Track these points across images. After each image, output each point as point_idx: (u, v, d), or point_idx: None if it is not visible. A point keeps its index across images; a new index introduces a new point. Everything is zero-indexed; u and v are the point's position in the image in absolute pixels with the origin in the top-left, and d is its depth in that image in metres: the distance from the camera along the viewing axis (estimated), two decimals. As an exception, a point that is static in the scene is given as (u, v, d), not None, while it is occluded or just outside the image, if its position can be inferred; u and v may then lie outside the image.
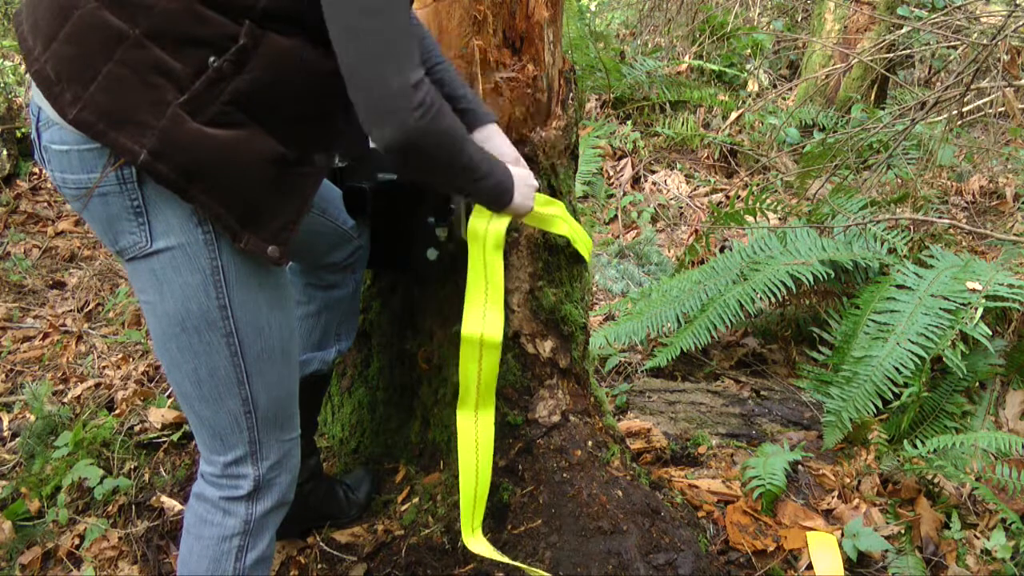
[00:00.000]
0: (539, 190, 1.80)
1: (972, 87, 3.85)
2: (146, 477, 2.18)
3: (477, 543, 1.60)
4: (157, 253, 1.21)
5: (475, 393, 1.56)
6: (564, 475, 1.82)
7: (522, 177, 1.49)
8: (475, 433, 1.57)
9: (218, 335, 1.25)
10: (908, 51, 5.57)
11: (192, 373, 1.28)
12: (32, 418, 2.58)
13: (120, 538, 2.02)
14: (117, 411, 2.57)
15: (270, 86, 1.17)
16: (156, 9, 1.11)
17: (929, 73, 6.06)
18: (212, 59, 1.13)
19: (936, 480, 2.13)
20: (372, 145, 1.64)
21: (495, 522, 1.80)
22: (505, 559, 1.62)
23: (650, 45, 6.42)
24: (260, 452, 1.35)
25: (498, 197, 1.42)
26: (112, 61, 1.12)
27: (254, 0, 1.13)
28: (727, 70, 5.82)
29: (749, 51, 6.17)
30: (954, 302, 2.44)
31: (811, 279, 2.71)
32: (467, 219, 1.59)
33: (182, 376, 1.29)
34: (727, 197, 4.55)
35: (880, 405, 2.32)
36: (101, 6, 1.12)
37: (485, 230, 1.51)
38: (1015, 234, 3.53)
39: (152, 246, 1.20)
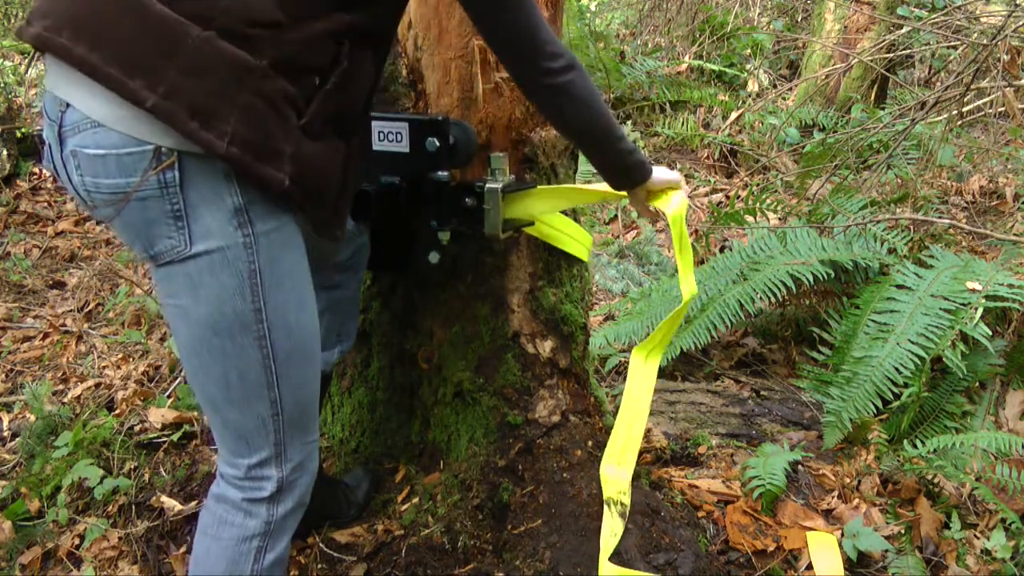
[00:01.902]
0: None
1: (972, 87, 3.85)
2: (146, 477, 2.18)
3: (611, 469, 1.84)
4: (194, 257, 1.20)
5: (656, 339, 1.86)
6: (564, 475, 1.82)
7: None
8: (642, 371, 1.86)
9: (251, 338, 1.25)
10: (908, 51, 5.57)
11: (222, 377, 1.27)
12: (32, 418, 2.58)
13: (120, 538, 2.02)
14: (117, 411, 2.57)
15: (352, 97, 1.29)
16: (278, 40, 1.16)
17: (929, 73, 6.06)
18: (317, 81, 1.21)
19: (936, 480, 2.13)
20: (375, 148, 1.65)
21: (495, 522, 1.80)
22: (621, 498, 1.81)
23: (650, 45, 6.42)
24: (285, 454, 1.35)
25: (637, 167, 1.61)
26: (245, 92, 1.13)
27: (350, 18, 1.22)
28: (727, 70, 5.82)
29: (749, 51, 6.17)
30: (954, 302, 2.44)
31: (811, 279, 2.71)
32: (499, 216, 1.61)
33: (210, 380, 1.28)
34: (727, 197, 4.55)
35: (880, 405, 2.32)
36: (216, 36, 1.12)
37: (672, 215, 1.72)
38: (1015, 234, 3.53)
39: (191, 250, 1.19)
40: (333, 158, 1.28)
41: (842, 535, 1.90)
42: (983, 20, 4.92)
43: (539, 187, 1.73)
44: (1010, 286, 2.45)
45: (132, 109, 1.12)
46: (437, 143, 1.59)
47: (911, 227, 3.18)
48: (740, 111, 5.22)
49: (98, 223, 4.51)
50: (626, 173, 1.62)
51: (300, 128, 1.20)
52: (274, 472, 1.35)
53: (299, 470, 1.39)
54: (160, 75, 1.10)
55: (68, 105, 1.16)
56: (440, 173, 1.63)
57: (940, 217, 3.47)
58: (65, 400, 2.79)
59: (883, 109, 4.96)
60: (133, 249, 1.25)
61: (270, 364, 1.28)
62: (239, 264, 1.21)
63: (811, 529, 1.92)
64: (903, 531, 1.96)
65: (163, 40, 1.11)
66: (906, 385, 2.31)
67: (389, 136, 1.62)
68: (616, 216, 4.42)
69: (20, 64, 5.65)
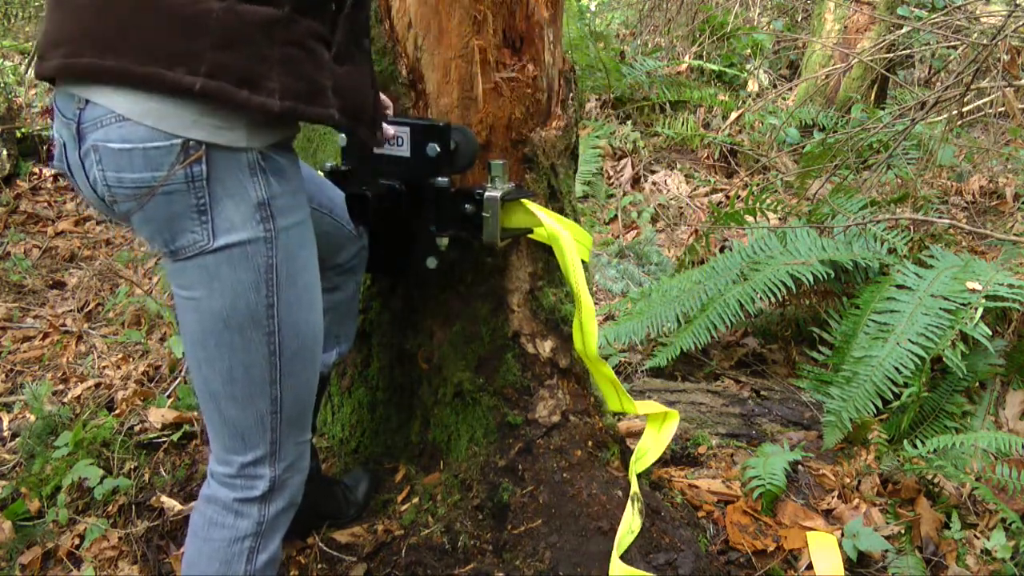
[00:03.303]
0: (539, 190, 1.81)
1: (972, 87, 3.85)
2: (146, 477, 2.18)
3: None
4: (215, 251, 1.20)
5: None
6: (564, 475, 1.82)
7: None
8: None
9: (261, 333, 1.25)
10: (908, 51, 5.58)
11: (226, 371, 1.27)
12: (32, 418, 2.58)
13: (120, 538, 2.02)
14: (117, 411, 2.57)
15: (365, 11, 1.30)
16: None
17: (929, 73, 6.06)
18: (334, 7, 1.21)
19: (936, 480, 2.13)
20: (376, 151, 1.65)
21: (495, 522, 1.80)
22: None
23: (650, 45, 6.42)
24: (279, 453, 1.35)
25: None
26: (277, 45, 1.14)
27: None
28: (727, 70, 5.82)
29: (749, 51, 6.18)
30: (954, 302, 2.44)
31: (811, 279, 2.71)
32: (498, 224, 1.60)
33: (214, 374, 1.28)
34: (727, 197, 4.55)
35: (880, 405, 2.32)
36: (236, 2, 1.12)
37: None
38: (1015, 234, 3.53)
39: (213, 244, 1.19)
40: (364, 75, 1.31)
41: (842, 535, 1.90)
42: (983, 20, 4.92)
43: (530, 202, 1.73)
44: (1010, 286, 2.45)
45: (160, 102, 1.12)
46: (438, 149, 1.59)
47: (911, 227, 3.18)
48: (740, 111, 5.22)
49: (99, 222, 4.51)
50: None
51: (332, 59, 1.22)
52: (267, 471, 1.35)
53: (292, 470, 1.38)
54: (199, 57, 1.11)
55: (87, 101, 1.15)
56: (440, 179, 1.63)
57: (940, 217, 3.47)
58: (65, 400, 2.79)
59: (883, 109, 4.96)
60: (152, 244, 1.24)
61: (276, 361, 1.28)
62: (258, 258, 1.22)
63: (811, 529, 1.92)
64: (903, 531, 1.96)
65: (187, 25, 1.11)
66: (906, 385, 2.31)
67: (390, 140, 1.62)
68: (616, 216, 4.42)
69: (20, 64, 5.65)
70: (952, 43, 4.74)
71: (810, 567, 1.83)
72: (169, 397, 2.60)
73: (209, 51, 1.11)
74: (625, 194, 4.62)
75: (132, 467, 2.21)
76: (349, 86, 1.25)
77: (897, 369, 2.33)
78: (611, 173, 4.86)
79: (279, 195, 1.22)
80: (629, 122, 5.27)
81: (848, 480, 2.13)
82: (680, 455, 2.25)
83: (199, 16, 1.11)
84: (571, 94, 1.85)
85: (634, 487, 1.82)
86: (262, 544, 1.37)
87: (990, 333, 2.36)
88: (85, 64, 1.13)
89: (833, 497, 2.07)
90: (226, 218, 1.19)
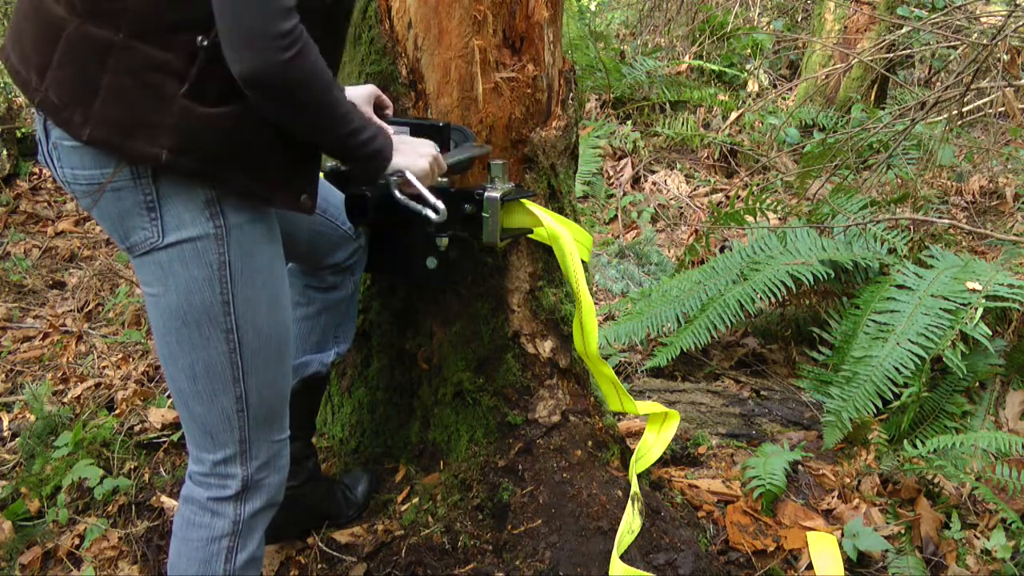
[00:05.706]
0: (539, 190, 1.81)
1: (972, 87, 3.85)
2: (146, 477, 2.18)
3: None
4: (166, 247, 1.21)
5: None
6: (564, 475, 1.82)
7: (413, 144, 1.46)
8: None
9: (218, 331, 1.25)
10: (908, 51, 5.57)
11: (188, 368, 1.28)
12: (32, 418, 2.58)
13: (120, 538, 2.02)
14: (117, 411, 2.57)
15: None
16: (131, 7, 1.10)
17: (929, 73, 6.06)
18: (200, 39, 1.12)
19: (936, 480, 2.13)
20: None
21: (495, 522, 1.80)
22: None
23: (650, 45, 6.42)
24: (249, 452, 1.35)
25: (372, 156, 1.34)
26: (107, 72, 1.12)
27: None
28: (727, 70, 5.82)
29: (749, 51, 6.17)
30: (954, 302, 2.44)
31: (811, 279, 2.71)
32: (498, 225, 1.60)
33: (178, 371, 1.29)
34: (727, 197, 4.55)
35: (880, 405, 2.32)
36: (84, 22, 1.12)
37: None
38: (1015, 234, 3.53)
39: (163, 241, 1.20)
40: (254, 119, 1.18)
41: (842, 535, 1.90)
42: (983, 20, 4.92)
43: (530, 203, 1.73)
44: (1010, 286, 2.45)
45: None
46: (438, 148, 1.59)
47: (911, 227, 3.18)
48: (740, 111, 5.22)
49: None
50: (369, 159, 1.36)
51: (185, 95, 1.12)
52: (238, 470, 1.35)
53: (266, 469, 1.38)
54: (48, 72, 1.14)
55: None
56: (440, 179, 1.63)
57: (940, 217, 3.47)
58: (65, 400, 2.79)
59: (883, 109, 4.96)
60: (114, 239, 1.26)
61: (236, 359, 1.28)
62: (209, 255, 1.22)
63: (811, 529, 1.92)
64: (903, 531, 1.96)
65: (49, 38, 1.14)
66: (906, 385, 2.31)
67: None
68: (616, 216, 4.42)
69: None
70: (952, 43, 4.74)
71: (810, 567, 1.83)
72: (169, 397, 2.60)
73: (55, 66, 1.13)
74: (625, 194, 4.62)
75: (132, 467, 2.21)
76: (211, 129, 1.14)
77: (897, 369, 2.33)
78: (611, 173, 4.86)
79: (229, 192, 1.21)
80: (629, 122, 5.27)
81: (848, 480, 2.13)
82: (680, 455, 2.25)
83: (57, 31, 1.13)
84: (571, 94, 1.85)
85: (634, 487, 1.82)
86: (240, 544, 1.37)
87: (990, 333, 2.36)
88: (10, 64, 1.20)
89: (833, 497, 2.07)
90: (175, 215, 1.19)
